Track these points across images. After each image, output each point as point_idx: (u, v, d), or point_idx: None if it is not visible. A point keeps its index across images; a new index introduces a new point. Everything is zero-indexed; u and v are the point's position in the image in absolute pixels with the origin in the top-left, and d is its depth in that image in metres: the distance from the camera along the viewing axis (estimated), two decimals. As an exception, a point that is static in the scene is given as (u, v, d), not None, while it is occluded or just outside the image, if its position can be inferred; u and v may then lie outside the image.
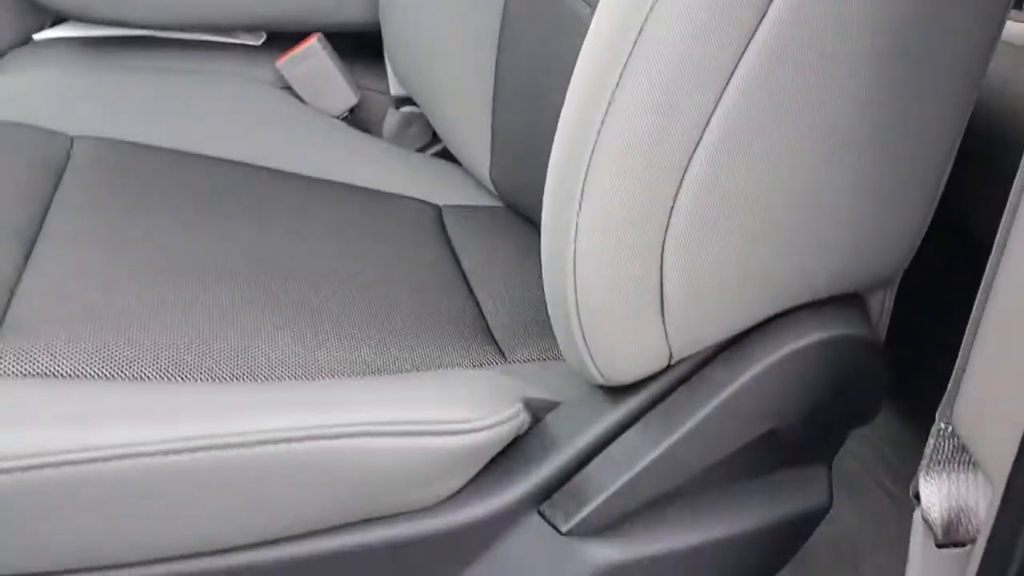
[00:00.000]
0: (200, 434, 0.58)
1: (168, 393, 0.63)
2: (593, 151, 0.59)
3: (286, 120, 1.15)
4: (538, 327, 0.85)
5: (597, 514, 0.68)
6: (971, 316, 0.57)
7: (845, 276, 0.67)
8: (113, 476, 0.57)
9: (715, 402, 0.66)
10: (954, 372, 0.60)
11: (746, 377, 0.66)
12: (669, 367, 0.68)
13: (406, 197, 1.06)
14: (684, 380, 0.68)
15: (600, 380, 0.67)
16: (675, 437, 0.66)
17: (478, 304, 0.88)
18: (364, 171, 1.08)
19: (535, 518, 0.70)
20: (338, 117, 1.22)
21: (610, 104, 0.58)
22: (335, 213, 0.98)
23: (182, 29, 1.22)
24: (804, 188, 0.62)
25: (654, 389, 0.68)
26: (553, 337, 0.82)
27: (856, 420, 0.75)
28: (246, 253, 0.85)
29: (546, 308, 0.87)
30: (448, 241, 0.99)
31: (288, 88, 1.21)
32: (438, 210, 1.05)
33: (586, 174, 0.60)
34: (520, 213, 1.06)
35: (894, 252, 0.68)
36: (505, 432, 0.69)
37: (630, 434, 0.68)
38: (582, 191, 0.60)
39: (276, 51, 1.22)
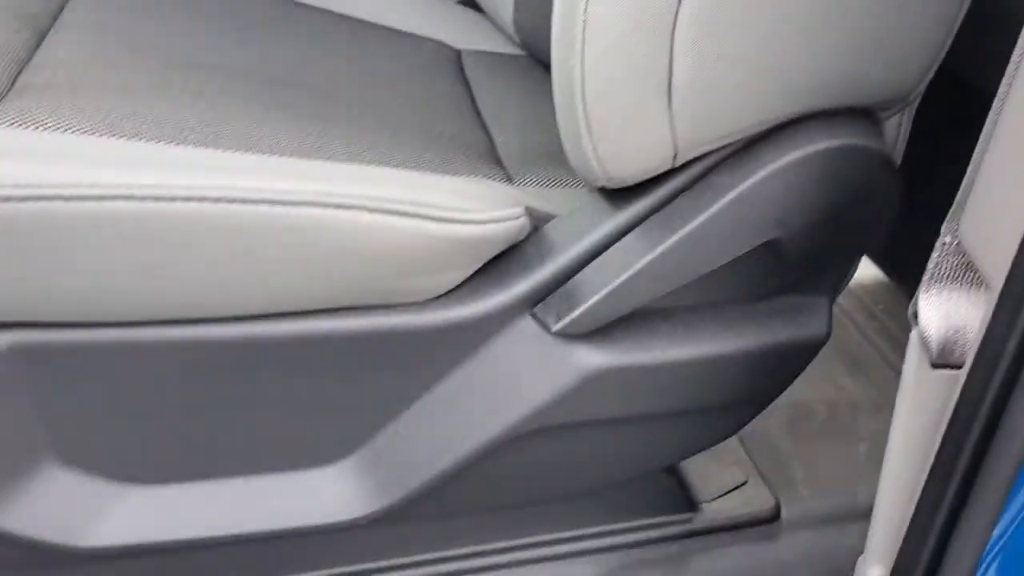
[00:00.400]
0: (196, 184, 0.58)
1: (168, 151, 0.62)
2: None
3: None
4: (548, 159, 0.84)
5: (588, 315, 0.67)
6: (982, 132, 0.56)
7: (859, 85, 0.65)
8: (105, 216, 0.57)
9: (717, 206, 0.65)
10: (961, 187, 0.59)
11: (751, 181, 0.64)
12: (673, 173, 0.67)
13: (425, 38, 1.05)
14: (687, 188, 0.67)
15: (603, 179, 0.66)
16: (674, 240, 0.65)
17: (489, 134, 0.87)
18: (384, 10, 1.07)
19: (528, 320, 0.70)
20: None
21: None
22: (353, 43, 0.97)
23: None
24: None
25: (656, 196, 0.68)
26: (562, 166, 0.81)
27: (862, 241, 0.74)
28: (260, 61, 0.84)
29: (558, 143, 0.85)
30: (465, 79, 0.98)
31: (314, -73, 1.19)
32: (457, 53, 1.04)
33: None
34: (541, 62, 1.04)
35: (909, 67, 0.66)
36: (503, 231, 0.68)
37: (628, 238, 0.68)
38: None
39: None
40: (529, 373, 0.70)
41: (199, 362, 0.67)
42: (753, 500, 0.91)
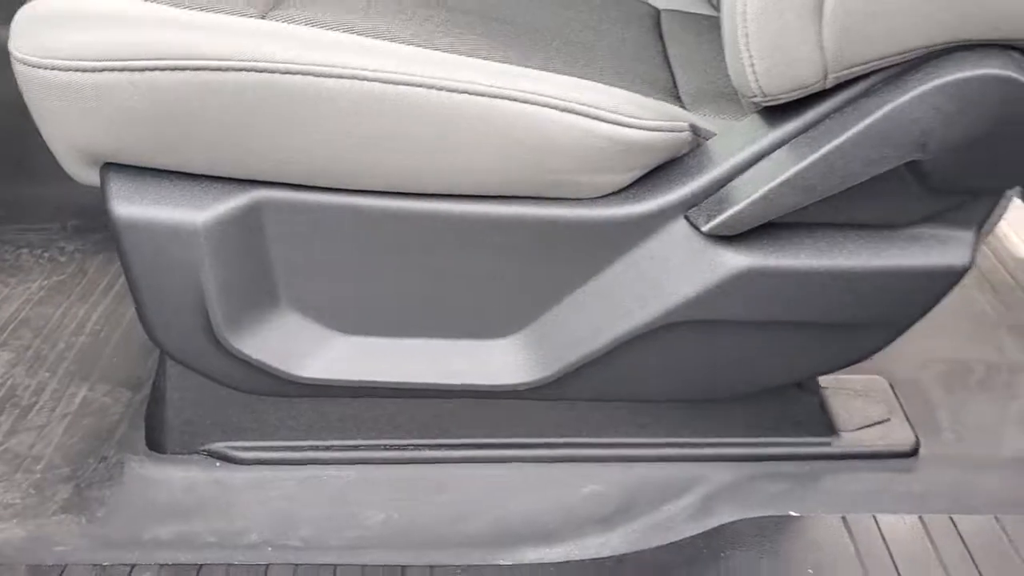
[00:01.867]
0: (408, 71, 0.72)
1: (393, 48, 0.76)
2: None
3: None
4: (722, 96, 0.91)
5: (736, 218, 0.76)
6: None
7: (1007, 17, 0.69)
8: (339, 91, 0.71)
9: (861, 125, 0.71)
10: None
11: (895, 104, 0.71)
12: (824, 96, 0.74)
13: (628, -2, 1.15)
14: (837, 110, 0.74)
15: (759, 94, 0.74)
16: (819, 154, 0.73)
17: (673, 76, 0.96)
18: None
19: (682, 222, 0.79)
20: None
21: None
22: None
23: None
24: None
25: (807, 116, 0.75)
26: (733, 103, 0.89)
27: (1005, 174, 0.77)
28: (479, 3, 0.97)
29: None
30: (660, 32, 1.07)
31: None
32: (657, 11, 1.13)
33: None
34: None
35: None
36: (669, 139, 0.78)
37: (779, 152, 0.75)
38: None
39: None
40: (679, 269, 0.79)
41: (403, 232, 0.81)
42: (893, 435, 0.95)
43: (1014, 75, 0.70)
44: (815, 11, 0.69)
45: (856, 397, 0.98)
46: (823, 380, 0.96)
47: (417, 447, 0.93)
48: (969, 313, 1.12)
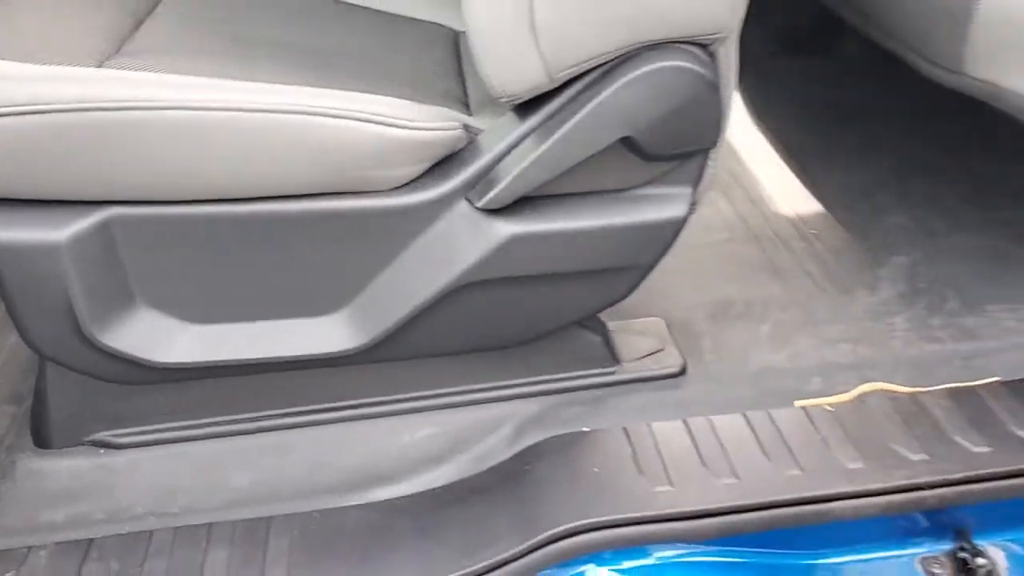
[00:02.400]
0: (224, 99, 0.89)
1: (212, 82, 0.92)
2: None
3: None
4: (499, 103, 1.11)
5: (503, 193, 0.96)
6: None
7: (678, 20, 0.91)
8: (156, 124, 0.88)
9: (582, 113, 0.93)
10: None
11: (604, 94, 0.92)
12: (557, 92, 0.95)
13: (430, 22, 1.34)
14: (567, 104, 0.95)
15: (504, 95, 0.94)
16: (556, 137, 0.93)
17: (464, 88, 1.15)
18: (400, 1, 1.35)
19: (463, 202, 0.98)
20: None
21: None
22: (366, 25, 1.26)
23: None
24: None
25: (547, 111, 0.96)
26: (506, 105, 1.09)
27: (697, 142, 0.99)
28: (292, 37, 1.14)
29: None
30: (458, 53, 1.26)
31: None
32: (456, 33, 1.33)
33: None
34: None
35: (715, 6, 0.92)
36: (444, 137, 0.97)
37: (528, 139, 0.96)
38: None
39: None
40: (464, 240, 0.98)
41: (236, 232, 0.97)
42: (665, 361, 1.16)
43: (687, 65, 0.93)
44: (530, 28, 0.89)
45: (636, 335, 1.18)
46: (610, 324, 1.16)
47: (270, 417, 1.10)
48: (736, 262, 1.35)
